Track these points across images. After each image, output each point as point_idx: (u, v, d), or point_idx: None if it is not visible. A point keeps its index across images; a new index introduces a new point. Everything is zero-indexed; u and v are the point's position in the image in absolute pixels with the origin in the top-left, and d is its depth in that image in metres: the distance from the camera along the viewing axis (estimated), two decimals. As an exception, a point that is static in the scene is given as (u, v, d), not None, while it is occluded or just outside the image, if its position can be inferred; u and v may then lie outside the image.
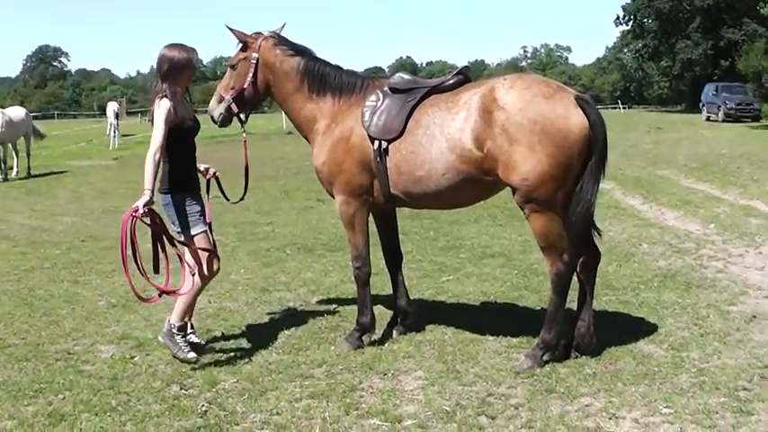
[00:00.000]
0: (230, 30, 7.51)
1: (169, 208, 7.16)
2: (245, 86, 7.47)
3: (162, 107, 6.86)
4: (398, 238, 7.89)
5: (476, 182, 6.60)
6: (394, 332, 7.61)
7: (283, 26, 7.77)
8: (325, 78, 7.39)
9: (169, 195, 7.14)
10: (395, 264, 7.81)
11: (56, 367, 6.86)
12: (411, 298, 7.93)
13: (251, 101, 7.72)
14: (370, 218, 7.50)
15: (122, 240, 6.62)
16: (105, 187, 21.02)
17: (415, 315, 7.77)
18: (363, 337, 7.32)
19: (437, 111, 6.75)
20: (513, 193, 6.47)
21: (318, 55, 7.65)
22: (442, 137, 6.60)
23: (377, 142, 6.87)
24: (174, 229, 7.20)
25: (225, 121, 7.86)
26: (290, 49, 7.47)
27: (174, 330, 7.04)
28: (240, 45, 7.52)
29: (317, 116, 7.37)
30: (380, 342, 7.36)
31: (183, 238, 7.23)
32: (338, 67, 7.52)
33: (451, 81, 7.03)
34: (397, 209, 7.66)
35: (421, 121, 6.78)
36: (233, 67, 7.58)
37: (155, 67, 7.15)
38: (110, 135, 39.28)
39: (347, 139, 7.07)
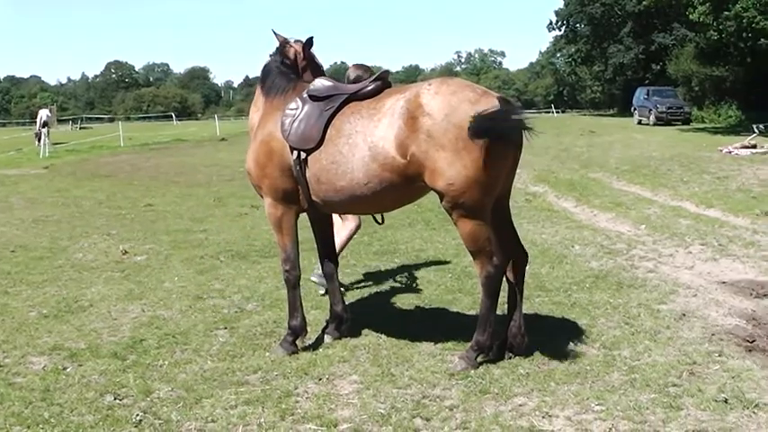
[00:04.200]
0: (275, 34, 7.72)
1: None
2: None
3: None
4: (334, 244, 7.90)
5: (400, 189, 6.56)
6: (328, 337, 7.59)
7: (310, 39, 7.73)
8: (265, 77, 7.53)
9: None
10: (331, 269, 7.80)
11: (-15, 380, 6.72)
12: (346, 303, 7.92)
13: None
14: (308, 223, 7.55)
15: None
16: (35, 196, 20.65)
17: (351, 321, 7.77)
18: (297, 341, 7.30)
19: (359, 118, 6.68)
20: (441, 199, 6.44)
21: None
22: (364, 145, 6.52)
23: (296, 152, 6.84)
24: None
25: None
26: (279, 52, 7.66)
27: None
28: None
29: (254, 116, 7.52)
30: (315, 347, 7.35)
31: None
32: (281, 70, 7.50)
33: (371, 87, 6.96)
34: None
35: (342, 130, 6.71)
36: None
37: None
38: (40, 143, 38.76)
39: (268, 143, 7.08)
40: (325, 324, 7.90)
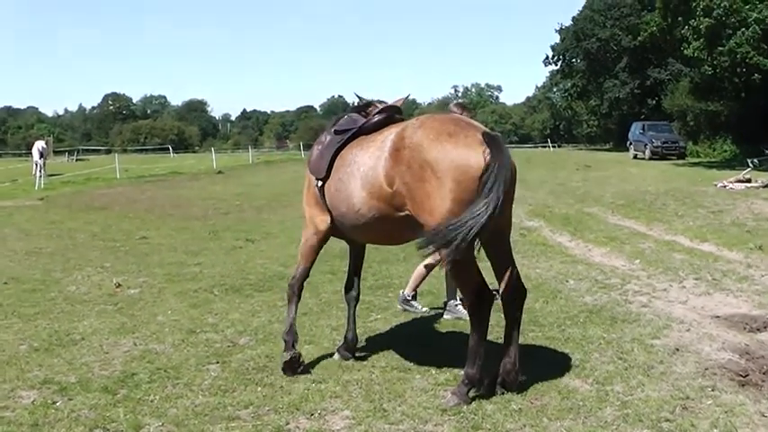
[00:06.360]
0: (358, 97, 8.27)
1: None
2: None
3: None
4: (360, 276, 8.43)
5: (390, 218, 6.77)
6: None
7: (407, 97, 8.27)
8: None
9: None
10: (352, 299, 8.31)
11: (-26, 415, 6.65)
12: (337, 336, 7.98)
13: None
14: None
15: None
16: (30, 228, 20.61)
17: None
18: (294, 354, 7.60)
19: (359, 150, 7.09)
20: (424, 230, 6.50)
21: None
22: (358, 174, 6.92)
23: (314, 179, 7.44)
24: None
25: None
26: None
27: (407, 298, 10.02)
28: None
29: None
30: (307, 382, 7.31)
31: None
32: (339, 117, 8.03)
33: (375, 120, 7.42)
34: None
35: (345, 160, 7.18)
36: None
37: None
38: (35, 175, 38.84)
39: (309, 176, 7.68)
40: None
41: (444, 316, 9.81)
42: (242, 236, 17.71)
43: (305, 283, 7.97)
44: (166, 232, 19.26)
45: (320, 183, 7.42)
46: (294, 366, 7.53)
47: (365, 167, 6.90)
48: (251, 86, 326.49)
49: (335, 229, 7.59)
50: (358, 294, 8.33)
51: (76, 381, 7.49)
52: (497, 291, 6.89)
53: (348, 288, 8.30)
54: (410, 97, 8.72)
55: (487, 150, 6.30)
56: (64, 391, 7.22)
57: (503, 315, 6.89)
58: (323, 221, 7.57)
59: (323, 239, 7.74)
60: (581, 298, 10.51)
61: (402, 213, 6.66)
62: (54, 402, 6.93)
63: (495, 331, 8.08)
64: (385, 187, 6.67)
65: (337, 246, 8.31)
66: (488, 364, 6.74)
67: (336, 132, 7.52)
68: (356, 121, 7.57)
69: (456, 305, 9.66)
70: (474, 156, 6.29)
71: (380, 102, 7.90)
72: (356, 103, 8.13)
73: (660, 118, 62.85)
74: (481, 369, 6.65)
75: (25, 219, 22.94)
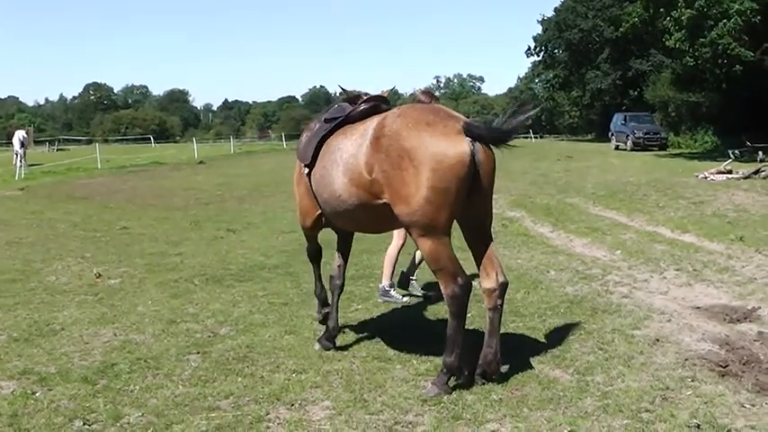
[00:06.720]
0: (343, 89, 8.49)
1: None
2: None
3: None
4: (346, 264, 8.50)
5: (369, 205, 6.85)
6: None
7: (392, 88, 8.55)
8: None
9: None
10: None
11: (-48, 405, 6.61)
12: (318, 326, 8.01)
13: None
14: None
15: None
16: (9, 218, 20.48)
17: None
18: (324, 309, 8.51)
19: (343, 138, 7.19)
20: (399, 218, 6.58)
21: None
22: (341, 161, 7.00)
23: (303, 166, 7.67)
24: None
25: None
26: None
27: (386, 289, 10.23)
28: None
29: None
30: (288, 372, 7.30)
31: None
32: (337, 101, 8.18)
33: (360, 109, 7.52)
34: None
35: (330, 147, 7.29)
36: None
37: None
38: (16, 164, 38.64)
39: (299, 164, 7.89)
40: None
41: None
42: (223, 226, 17.68)
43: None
44: (147, 222, 19.20)
45: (307, 169, 7.58)
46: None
47: (347, 155, 6.96)
48: (233, 76, 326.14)
49: (322, 217, 7.79)
50: (342, 283, 8.32)
51: (56, 371, 7.46)
52: (476, 277, 6.89)
53: (333, 276, 8.32)
54: (395, 88, 8.78)
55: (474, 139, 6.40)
56: (43, 381, 7.19)
57: (483, 305, 6.88)
58: (312, 207, 7.83)
59: (315, 222, 8.03)
60: (562, 288, 10.53)
61: (381, 201, 6.68)
62: (33, 393, 6.89)
63: (476, 322, 8.10)
64: (365, 174, 6.70)
65: (319, 236, 8.30)
66: (469, 354, 6.75)
67: (326, 120, 7.62)
68: (344, 109, 7.65)
69: (411, 281, 10.57)
70: (451, 145, 6.30)
71: (365, 94, 7.92)
72: (338, 94, 8.18)
73: (642, 109, 63.01)
74: (459, 357, 6.65)
75: (5, 209, 22.80)
